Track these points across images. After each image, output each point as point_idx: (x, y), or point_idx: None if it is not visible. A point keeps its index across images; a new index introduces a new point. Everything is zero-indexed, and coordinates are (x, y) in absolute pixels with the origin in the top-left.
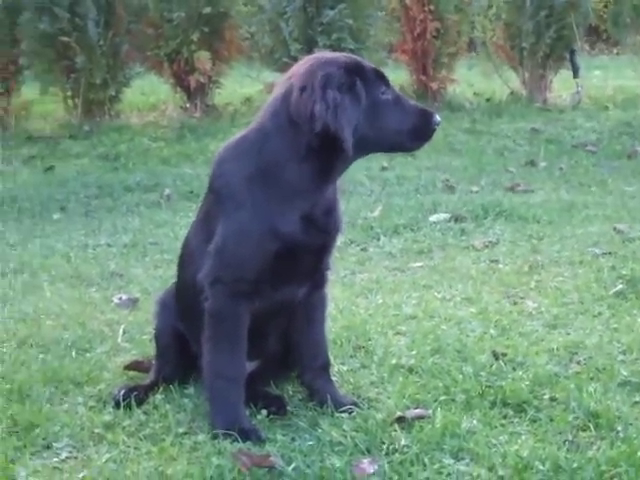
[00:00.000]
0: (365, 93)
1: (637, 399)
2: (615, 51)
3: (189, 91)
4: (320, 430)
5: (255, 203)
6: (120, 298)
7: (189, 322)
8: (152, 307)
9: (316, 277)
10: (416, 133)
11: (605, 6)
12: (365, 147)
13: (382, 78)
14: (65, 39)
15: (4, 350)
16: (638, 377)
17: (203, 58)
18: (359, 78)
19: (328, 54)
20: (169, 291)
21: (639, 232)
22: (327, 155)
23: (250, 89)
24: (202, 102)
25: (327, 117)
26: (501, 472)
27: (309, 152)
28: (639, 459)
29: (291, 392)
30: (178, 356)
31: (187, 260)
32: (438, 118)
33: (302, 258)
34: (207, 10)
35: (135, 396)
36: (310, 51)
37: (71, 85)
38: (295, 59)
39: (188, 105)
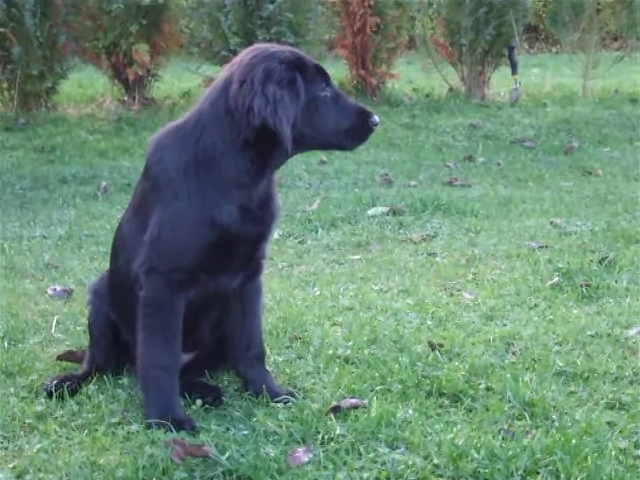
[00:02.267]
0: (305, 89)
1: (572, 389)
2: (554, 50)
3: (127, 84)
4: (255, 420)
5: (192, 192)
6: (54, 289)
7: (122, 311)
8: (86, 295)
9: (251, 266)
10: (353, 132)
11: (544, 5)
12: (302, 144)
13: (323, 74)
14: (1, 30)
15: None
16: (573, 367)
17: (142, 51)
18: (300, 74)
19: (272, 47)
20: (103, 279)
21: (575, 226)
22: (264, 149)
23: (189, 83)
24: (140, 95)
25: (266, 112)
26: (436, 460)
27: (245, 145)
28: (573, 447)
29: (226, 382)
30: (111, 345)
31: (120, 248)
32: (376, 118)
33: (238, 248)
34: (146, 2)
35: (68, 386)
36: (249, 45)
37: (7, 76)
38: (234, 53)
39: (126, 98)
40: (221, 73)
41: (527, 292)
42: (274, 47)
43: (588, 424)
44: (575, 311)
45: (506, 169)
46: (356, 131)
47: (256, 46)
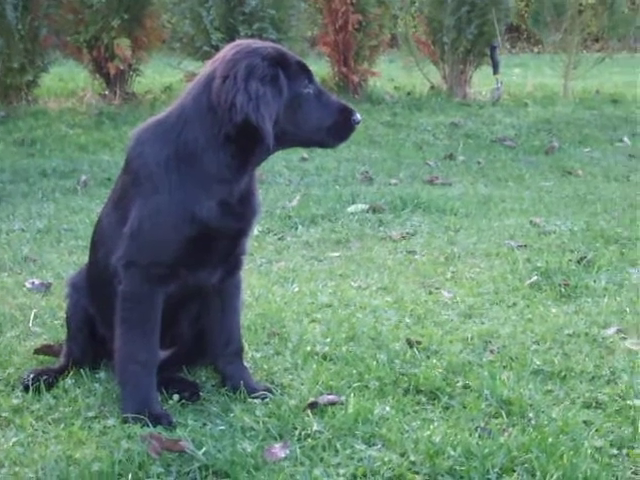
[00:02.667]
0: (287, 86)
1: (549, 387)
2: (536, 50)
3: (108, 78)
4: (232, 415)
5: (172, 187)
6: (33, 283)
7: (100, 305)
8: (64, 288)
9: (231, 261)
10: (335, 130)
11: (526, 5)
12: (284, 140)
13: (306, 71)
14: None
15: None
16: (550, 366)
17: (123, 45)
18: (282, 70)
19: (255, 43)
20: (81, 272)
21: (555, 226)
22: (245, 145)
23: (170, 78)
24: (121, 89)
25: (248, 109)
26: (413, 457)
27: (227, 140)
28: (550, 445)
29: (204, 378)
30: (88, 339)
31: (99, 242)
32: (359, 116)
33: (218, 243)
34: None
35: (44, 380)
36: (231, 40)
37: None
38: (216, 48)
39: (107, 92)
40: (204, 68)
41: (506, 291)
42: (257, 43)
43: (564, 422)
44: (553, 310)
45: (486, 168)
46: (338, 129)
47: (239, 42)
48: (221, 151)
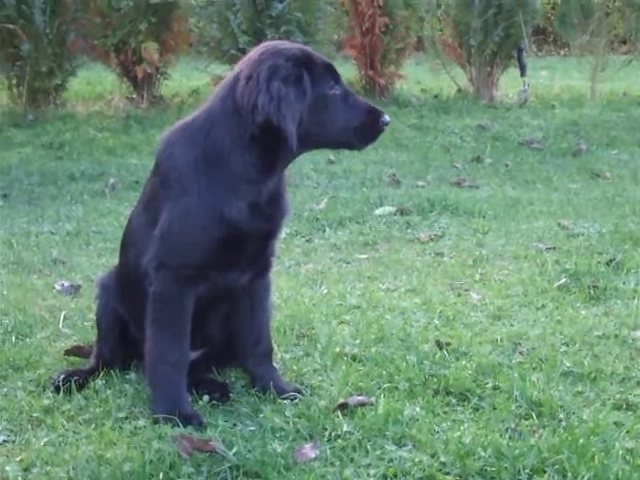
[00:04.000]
0: (312, 87)
1: (579, 389)
2: (562, 53)
3: (136, 81)
4: (262, 416)
5: (201, 188)
6: (62, 285)
7: (131, 306)
8: (93, 290)
9: (260, 263)
10: (363, 132)
11: (553, 8)
12: (310, 142)
13: (332, 72)
14: (11, 26)
15: None
16: (580, 367)
17: (150, 48)
18: (307, 71)
19: (282, 44)
20: (111, 273)
21: (583, 228)
22: (271, 146)
23: (198, 81)
24: (149, 93)
25: (270, 109)
26: (443, 458)
27: (253, 141)
28: (580, 447)
29: (233, 379)
30: (119, 340)
31: (129, 243)
32: (387, 118)
33: (247, 244)
34: (155, 0)
35: (75, 381)
36: (258, 44)
37: (16, 73)
38: (243, 51)
39: (135, 96)
40: (232, 70)
41: (534, 293)
42: (283, 44)
43: (595, 424)
44: (582, 312)
45: (514, 170)
46: (365, 130)
47: (266, 44)
48: (247, 152)
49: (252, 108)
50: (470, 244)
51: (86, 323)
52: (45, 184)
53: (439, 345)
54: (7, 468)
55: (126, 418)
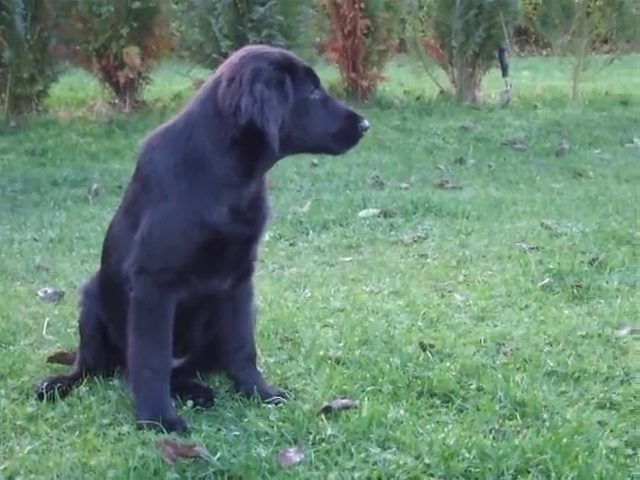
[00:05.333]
0: (293, 91)
1: (563, 389)
2: (544, 53)
3: (118, 87)
4: (246, 420)
5: (182, 192)
6: (45, 292)
7: (112, 312)
8: (76, 296)
9: (242, 267)
10: (342, 136)
11: (534, 8)
12: (291, 146)
13: (313, 77)
14: None
15: None
16: (564, 367)
17: (132, 53)
18: (289, 75)
19: (263, 48)
20: (94, 280)
21: (566, 227)
22: (251, 149)
23: (180, 85)
24: (131, 98)
25: (253, 111)
26: (427, 460)
27: (233, 145)
28: (564, 446)
29: (218, 384)
30: (101, 346)
31: (111, 248)
32: (366, 123)
33: (229, 249)
34: (137, 5)
35: (59, 388)
36: (240, 47)
37: None
38: (225, 55)
39: (117, 101)
40: (214, 73)
41: (518, 293)
42: (265, 48)
43: (579, 423)
44: (566, 312)
45: (497, 171)
46: (345, 135)
47: (248, 47)
48: (228, 155)
49: (235, 110)
50: (453, 245)
51: (69, 330)
52: (28, 191)
53: (423, 347)
54: None
55: (110, 424)
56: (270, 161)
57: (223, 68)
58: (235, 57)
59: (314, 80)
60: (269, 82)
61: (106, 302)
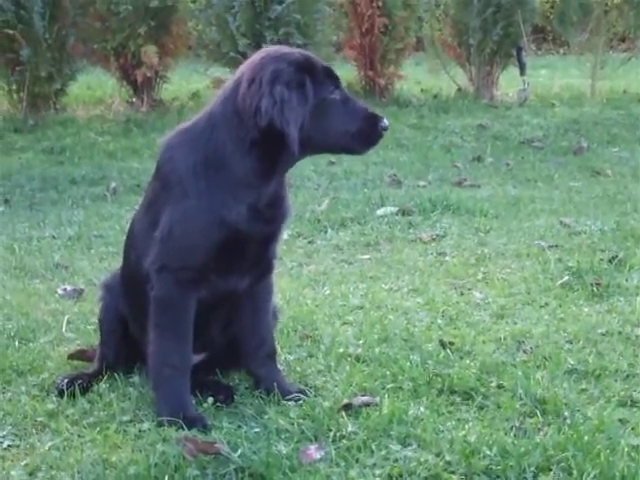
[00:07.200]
0: (313, 92)
1: (583, 386)
2: (562, 51)
3: (136, 85)
4: (267, 417)
5: (201, 191)
6: (65, 289)
7: (133, 308)
8: (97, 292)
9: (261, 265)
10: (362, 136)
11: (552, 6)
12: (311, 147)
13: (333, 77)
14: (10, 32)
15: None
16: (584, 365)
17: (150, 52)
18: (309, 76)
19: (283, 49)
20: (115, 275)
21: (585, 225)
22: (271, 150)
23: (197, 84)
24: (149, 96)
25: (273, 113)
26: (448, 457)
27: (253, 145)
28: (586, 444)
29: (237, 381)
30: (121, 342)
31: (131, 246)
32: (386, 123)
33: (248, 247)
34: (154, 4)
35: (79, 384)
36: (258, 46)
37: (16, 78)
38: (242, 54)
39: (135, 99)
40: (235, 73)
41: (537, 291)
42: (285, 49)
43: (600, 421)
44: (586, 309)
45: (515, 169)
46: (365, 135)
47: (268, 48)
48: (247, 156)
49: (255, 111)
50: (472, 243)
51: (89, 327)
52: (46, 189)
53: (443, 344)
54: (12, 473)
55: (130, 421)
56: (290, 162)
57: (243, 69)
58: (255, 58)
59: (334, 80)
60: (289, 83)
61: (127, 298)
